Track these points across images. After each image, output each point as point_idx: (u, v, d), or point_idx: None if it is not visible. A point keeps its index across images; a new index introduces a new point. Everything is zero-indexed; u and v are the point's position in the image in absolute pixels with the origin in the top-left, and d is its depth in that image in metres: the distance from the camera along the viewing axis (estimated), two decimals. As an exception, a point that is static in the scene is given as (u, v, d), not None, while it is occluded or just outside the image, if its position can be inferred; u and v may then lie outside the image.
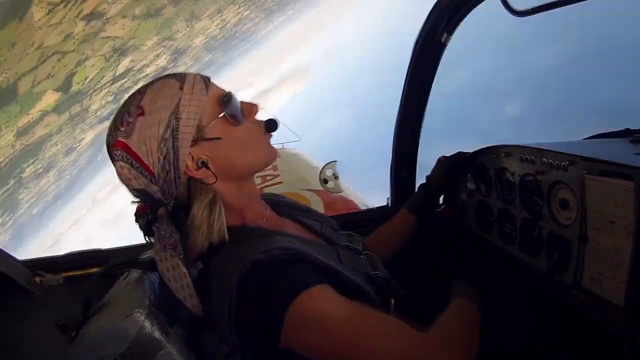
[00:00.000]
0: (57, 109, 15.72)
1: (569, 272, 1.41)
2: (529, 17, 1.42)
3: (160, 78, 1.08)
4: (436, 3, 1.71)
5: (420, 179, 2.13)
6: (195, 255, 1.06)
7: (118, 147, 1.00)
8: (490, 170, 1.84)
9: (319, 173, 2.24)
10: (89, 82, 15.80)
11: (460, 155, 1.95)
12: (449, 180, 1.90)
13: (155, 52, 20.37)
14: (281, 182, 4.66)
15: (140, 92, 1.03)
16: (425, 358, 0.97)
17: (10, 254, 1.66)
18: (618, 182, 1.20)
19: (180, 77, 1.04)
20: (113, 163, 1.03)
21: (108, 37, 13.68)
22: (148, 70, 21.95)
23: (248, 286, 0.92)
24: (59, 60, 12.27)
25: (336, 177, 2.22)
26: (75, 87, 15.24)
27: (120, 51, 15.98)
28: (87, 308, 1.16)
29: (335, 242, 1.28)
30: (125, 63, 17.84)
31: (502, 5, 1.39)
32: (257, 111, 1.14)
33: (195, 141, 1.02)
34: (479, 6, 1.67)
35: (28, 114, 13.95)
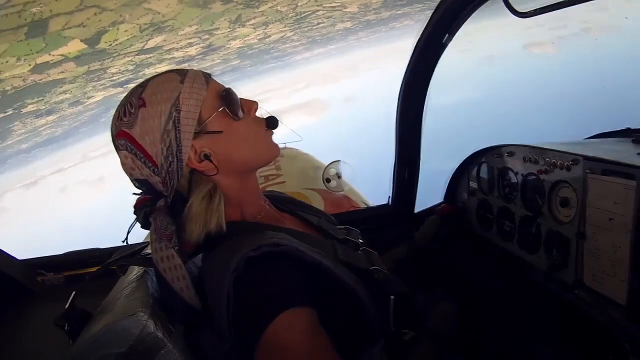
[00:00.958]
0: (78, 59, 15.85)
1: (569, 270, 1.43)
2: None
3: (162, 73, 1.10)
4: (440, 3, 1.71)
5: (420, 180, 2.17)
6: (191, 248, 1.07)
7: (122, 137, 1.01)
8: (494, 169, 1.86)
9: (321, 173, 2.24)
10: (117, 45, 15.84)
11: (452, 222, 1.94)
12: (437, 241, 1.85)
13: (189, 40, 20.68)
14: (284, 182, 4.61)
15: (142, 85, 1.05)
16: None
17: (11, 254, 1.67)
18: (619, 181, 1.22)
19: (181, 72, 1.06)
20: (117, 152, 1.05)
21: (150, 9, 13.70)
22: (176, 54, 22.29)
23: (240, 285, 0.92)
24: (95, 14, 12.27)
25: (339, 176, 2.21)
26: (101, 45, 15.37)
27: (157, 27, 16.22)
28: (88, 307, 1.16)
29: (333, 236, 1.29)
30: (157, 40, 18.10)
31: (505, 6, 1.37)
32: (256, 108, 1.16)
33: (197, 134, 1.02)
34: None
35: (50, 54, 13.97)
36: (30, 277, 1.65)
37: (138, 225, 1.09)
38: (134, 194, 1.10)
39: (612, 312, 1.24)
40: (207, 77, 1.09)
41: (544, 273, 1.56)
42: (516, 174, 1.71)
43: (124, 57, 19.75)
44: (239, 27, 22.00)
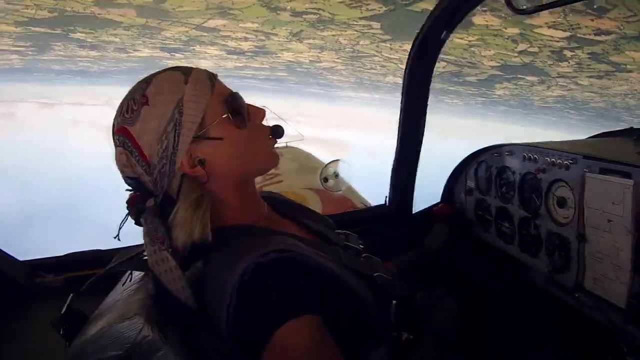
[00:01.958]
0: (141, 9, 15.91)
1: (570, 273, 1.42)
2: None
3: (168, 69, 1.06)
4: (439, 1, 1.70)
5: (420, 179, 2.17)
6: (183, 252, 1.04)
7: (120, 134, 1.01)
8: (492, 168, 1.86)
9: (319, 172, 2.20)
10: (180, 11, 15.83)
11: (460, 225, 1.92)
12: (448, 249, 1.83)
13: (246, 35, 20.93)
14: (281, 181, 4.53)
15: (147, 81, 1.03)
16: None
17: (11, 254, 1.67)
18: (617, 180, 1.20)
19: (187, 72, 1.04)
20: (114, 147, 1.05)
21: (289, 9, 14.18)
22: (229, 43, 22.55)
23: (247, 291, 0.91)
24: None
25: (337, 176, 2.17)
26: (166, 6, 15.42)
27: (222, 11, 16.42)
28: (86, 309, 1.17)
29: (335, 242, 1.28)
30: (217, 22, 18.36)
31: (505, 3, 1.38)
32: (263, 116, 1.13)
33: (196, 138, 1.01)
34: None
35: (115, -6, 14.48)
36: (30, 278, 1.65)
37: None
38: (127, 190, 1.09)
39: (611, 315, 1.24)
40: (213, 78, 1.07)
41: (544, 276, 1.57)
42: (514, 173, 1.71)
43: (182, 26, 20.07)
44: (295, 41, 22.42)
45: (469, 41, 17.60)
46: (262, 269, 0.91)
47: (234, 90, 1.10)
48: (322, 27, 19.44)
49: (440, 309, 1.39)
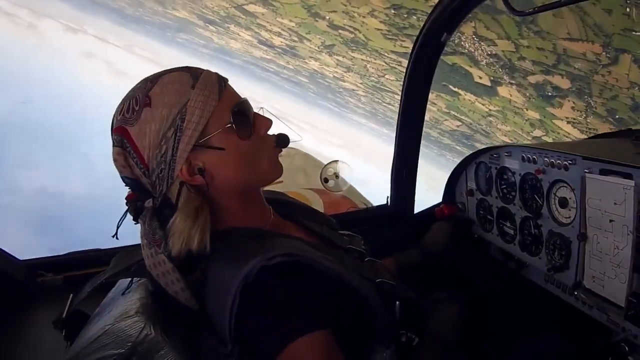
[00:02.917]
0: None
1: (570, 272, 1.43)
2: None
3: (176, 69, 1.01)
4: (438, 2, 1.71)
5: (419, 180, 2.18)
6: (178, 258, 1.01)
7: (119, 133, 0.97)
8: (492, 169, 1.86)
9: (320, 172, 2.22)
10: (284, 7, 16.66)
11: (463, 223, 1.93)
12: (449, 248, 1.79)
13: (281, 31, 21.29)
14: (282, 182, 4.47)
15: (152, 80, 0.98)
16: None
17: (11, 253, 1.64)
18: (618, 181, 1.21)
19: (195, 75, 0.99)
20: (112, 146, 0.99)
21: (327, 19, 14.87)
22: (262, 33, 22.86)
23: (253, 295, 0.90)
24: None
25: (337, 176, 2.21)
26: (277, 2, 16.18)
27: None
28: (86, 308, 1.17)
29: (338, 246, 1.27)
30: (257, 9, 18.64)
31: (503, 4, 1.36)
32: (269, 127, 1.07)
33: (197, 146, 0.97)
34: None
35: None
36: (30, 277, 1.64)
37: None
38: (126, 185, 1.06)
39: (611, 313, 1.26)
40: (223, 83, 1.02)
41: (544, 274, 1.60)
42: (514, 173, 1.71)
43: (224, 1, 20.23)
44: (326, 53, 22.59)
45: (490, 110, 17.66)
46: (267, 272, 0.90)
47: (243, 98, 1.06)
48: (354, 47, 19.55)
49: (443, 311, 1.40)
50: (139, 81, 1.00)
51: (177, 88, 0.96)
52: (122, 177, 1.02)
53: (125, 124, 0.96)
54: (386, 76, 21.41)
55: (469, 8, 1.72)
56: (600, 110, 12.67)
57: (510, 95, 15.30)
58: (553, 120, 15.15)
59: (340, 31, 17.89)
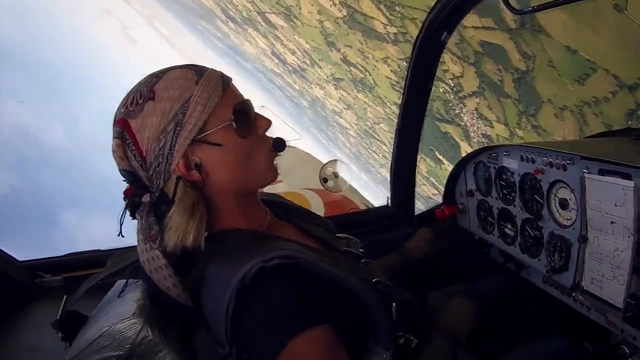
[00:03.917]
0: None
1: (568, 273, 1.43)
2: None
3: (181, 66, 1.03)
4: (437, 2, 1.72)
5: (419, 180, 2.12)
6: (172, 254, 1.02)
7: (120, 125, 0.98)
8: (490, 169, 1.84)
9: (319, 172, 2.20)
10: (308, 19, 16.77)
11: (443, 231, 1.85)
12: (431, 255, 1.76)
13: (295, 49, 21.61)
14: (281, 182, 4.39)
15: (157, 75, 1.00)
16: None
17: (11, 253, 1.66)
18: (617, 182, 1.20)
19: (200, 72, 1.01)
20: (113, 138, 1.00)
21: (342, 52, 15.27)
22: (277, 46, 23.15)
23: (250, 296, 0.91)
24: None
25: (336, 176, 2.21)
26: (299, 20, 16.19)
27: (288, 16, 17.06)
28: (84, 309, 1.18)
29: (335, 248, 1.28)
30: (279, 21, 18.97)
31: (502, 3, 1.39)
32: (268, 127, 1.08)
33: (195, 141, 0.98)
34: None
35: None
36: (30, 278, 1.65)
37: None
38: (124, 180, 1.05)
39: (609, 315, 1.26)
40: (226, 82, 1.04)
41: (542, 276, 1.61)
42: (513, 173, 1.70)
43: (249, 2, 20.48)
44: (332, 85, 22.78)
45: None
46: (265, 273, 0.90)
47: (246, 98, 1.07)
48: (360, 88, 19.68)
49: (451, 309, 1.39)
50: (144, 76, 1.01)
51: (181, 84, 0.98)
52: (120, 170, 1.03)
53: (128, 116, 0.98)
54: (381, 124, 21.59)
55: (468, 7, 1.72)
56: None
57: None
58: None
59: (351, 68, 18.06)
